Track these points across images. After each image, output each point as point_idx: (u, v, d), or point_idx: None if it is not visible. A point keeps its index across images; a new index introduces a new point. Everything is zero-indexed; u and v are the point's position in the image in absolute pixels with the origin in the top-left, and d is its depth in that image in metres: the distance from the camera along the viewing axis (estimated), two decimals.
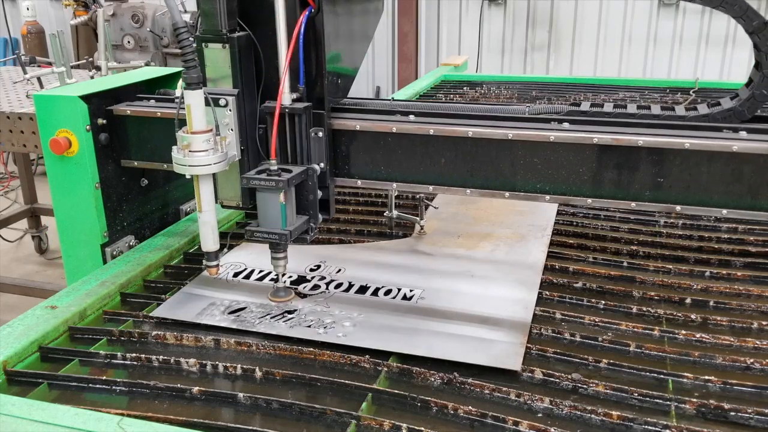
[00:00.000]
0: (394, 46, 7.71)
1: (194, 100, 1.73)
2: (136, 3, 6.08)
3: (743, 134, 1.75)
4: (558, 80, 4.81)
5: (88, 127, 2.22)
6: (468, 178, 1.93)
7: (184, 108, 1.74)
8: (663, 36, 6.95)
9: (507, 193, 1.90)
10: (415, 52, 7.57)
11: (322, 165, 1.93)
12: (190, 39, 1.71)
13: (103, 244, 2.33)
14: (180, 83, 1.80)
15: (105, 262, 2.33)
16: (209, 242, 1.88)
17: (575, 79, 4.89)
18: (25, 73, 4.04)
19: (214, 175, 1.83)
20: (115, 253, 2.37)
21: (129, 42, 5.90)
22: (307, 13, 1.80)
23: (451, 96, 4.34)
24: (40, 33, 7.43)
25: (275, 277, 2.14)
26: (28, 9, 7.28)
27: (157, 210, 2.62)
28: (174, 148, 1.79)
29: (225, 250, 1.99)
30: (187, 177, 1.80)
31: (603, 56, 7.19)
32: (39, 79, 3.96)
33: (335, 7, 1.88)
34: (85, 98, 2.22)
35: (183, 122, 1.78)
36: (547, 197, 1.87)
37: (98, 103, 2.27)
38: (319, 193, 1.94)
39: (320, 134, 1.92)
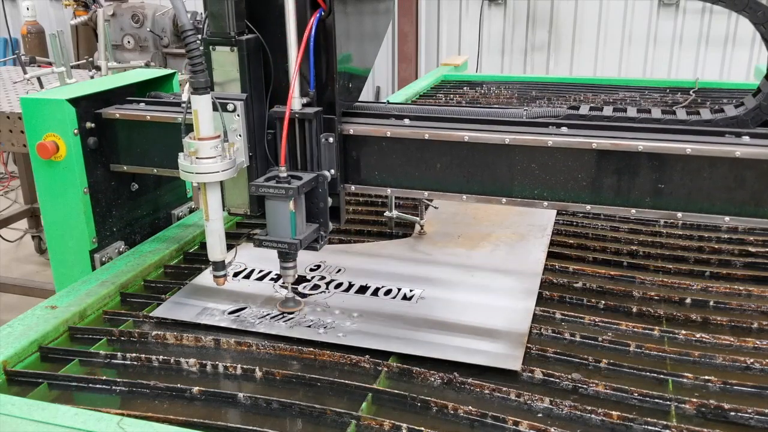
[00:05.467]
0: (394, 46, 7.71)
1: (202, 105, 1.65)
2: (136, 3, 6.07)
3: (746, 139, 1.68)
4: (558, 80, 4.81)
5: (75, 131, 2.16)
6: (464, 184, 1.87)
7: (190, 113, 1.66)
8: (663, 36, 6.95)
9: (504, 199, 1.85)
10: (415, 52, 7.56)
11: (332, 171, 1.87)
12: (198, 42, 1.62)
13: (92, 250, 2.28)
14: (186, 87, 1.71)
15: (94, 268, 2.27)
16: (216, 252, 1.80)
17: (575, 79, 4.89)
18: (25, 73, 4.05)
19: (221, 181, 1.76)
20: (104, 259, 2.31)
21: (129, 42, 5.89)
22: (318, 14, 1.73)
23: (451, 96, 4.34)
24: (40, 33, 7.41)
25: (275, 277, 2.15)
26: (28, 9, 7.27)
27: (147, 215, 2.55)
28: (180, 154, 1.72)
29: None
30: (195, 185, 1.72)
31: (603, 56, 7.19)
32: (39, 79, 3.96)
33: (347, 8, 1.82)
34: (73, 101, 2.15)
35: (189, 127, 1.70)
36: (545, 203, 1.82)
37: (87, 106, 2.20)
38: (330, 201, 1.88)
39: (331, 140, 1.85)
